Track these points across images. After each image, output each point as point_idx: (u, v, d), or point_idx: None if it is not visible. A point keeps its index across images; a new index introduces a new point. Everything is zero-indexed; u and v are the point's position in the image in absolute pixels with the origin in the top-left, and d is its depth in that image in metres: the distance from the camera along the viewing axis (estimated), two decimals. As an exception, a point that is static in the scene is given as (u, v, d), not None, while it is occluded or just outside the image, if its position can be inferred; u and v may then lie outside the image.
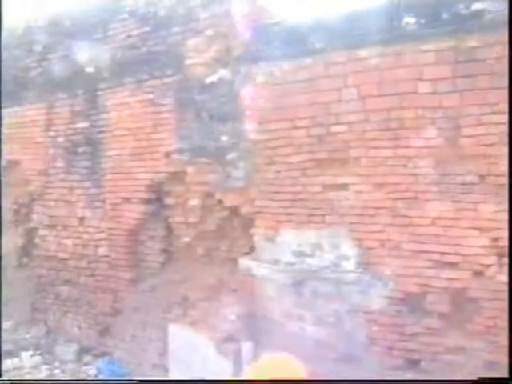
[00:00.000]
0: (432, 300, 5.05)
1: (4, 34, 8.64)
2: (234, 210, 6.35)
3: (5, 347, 7.99)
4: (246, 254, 6.26)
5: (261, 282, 6.02)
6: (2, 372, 7.26)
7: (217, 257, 6.65)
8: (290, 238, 5.81)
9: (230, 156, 6.22)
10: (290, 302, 5.83)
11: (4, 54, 8.67)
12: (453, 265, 4.90)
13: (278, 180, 5.87)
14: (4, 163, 8.89)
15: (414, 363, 5.14)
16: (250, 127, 6.09)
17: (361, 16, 5.33)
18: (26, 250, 8.88)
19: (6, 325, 8.63)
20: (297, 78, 5.70)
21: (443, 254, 4.94)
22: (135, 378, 6.72)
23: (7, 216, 9.10)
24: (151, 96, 6.95)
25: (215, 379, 5.84)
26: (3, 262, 9.14)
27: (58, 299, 8.29)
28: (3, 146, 8.78)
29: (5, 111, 8.79)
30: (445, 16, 4.89)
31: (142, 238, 7.31)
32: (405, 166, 5.09)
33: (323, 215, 5.59)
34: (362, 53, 5.28)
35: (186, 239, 6.88)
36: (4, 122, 8.82)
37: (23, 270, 8.94)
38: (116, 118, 7.38)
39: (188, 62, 6.57)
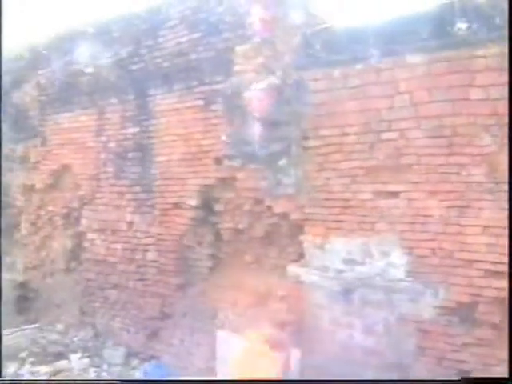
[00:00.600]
0: (483, 310, 5.04)
1: (51, 39, 8.90)
2: (284, 217, 6.41)
3: (54, 349, 8.23)
4: (295, 260, 6.31)
5: (309, 289, 6.07)
6: (54, 373, 7.49)
7: (265, 263, 6.71)
8: (340, 246, 5.86)
9: (281, 162, 6.28)
10: (339, 310, 5.87)
11: (55, 60, 8.93)
12: (505, 274, 4.87)
13: (327, 187, 5.92)
14: (56, 167, 9.15)
15: (464, 374, 5.12)
16: (300, 134, 6.15)
17: (412, 22, 5.35)
18: (75, 253, 9.08)
19: (56, 327, 8.88)
20: (347, 85, 5.74)
21: (495, 263, 4.92)
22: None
23: (57, 220, 9.35)
24: (201, 102, 7.06)
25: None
26: (52, 266, 9.41)
27: (107, 303, 8.46)
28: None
29: (57, 116, 9.11)
30: (497, 21, 4.89)
31: (190, 244, 7.40)
32: (458, 173, 5.09)
33: (373, 223, 5.62)
34: (414, 59, 5.30)
35: (235, 245, 6.98)
36: (57, 127, 9.10)
37: (72, 274, 9.17)
38: (166, 123, 7.50)
39: (237, 68, 6.65)
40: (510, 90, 4.69)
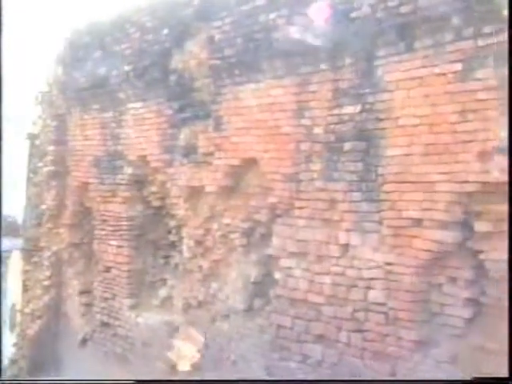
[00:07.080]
0: None
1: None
2: None
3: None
4: None
5: None
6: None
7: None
8: None
9: None
10: None
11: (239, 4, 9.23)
12: None
13: None
14: (236, 162, 9.44)
15: None
16: None
17: None
18: (261, 287, 9.27)
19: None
20: None
21: None
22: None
23: (235, 238, 9.49)
24: (458, 66, 6.93)
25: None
26: (226, 305, 9.63)
27: (306, 363, 8.52)
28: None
29: (237, 88, 9.38)
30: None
31: (437, 281, 7.29)
32: None
33: None
34: None
35: (506, 287, 6.70)
36: (237, 104, 9.37)
37: (255, 317, 9.36)
38: (402, 99, 7.47)
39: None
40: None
